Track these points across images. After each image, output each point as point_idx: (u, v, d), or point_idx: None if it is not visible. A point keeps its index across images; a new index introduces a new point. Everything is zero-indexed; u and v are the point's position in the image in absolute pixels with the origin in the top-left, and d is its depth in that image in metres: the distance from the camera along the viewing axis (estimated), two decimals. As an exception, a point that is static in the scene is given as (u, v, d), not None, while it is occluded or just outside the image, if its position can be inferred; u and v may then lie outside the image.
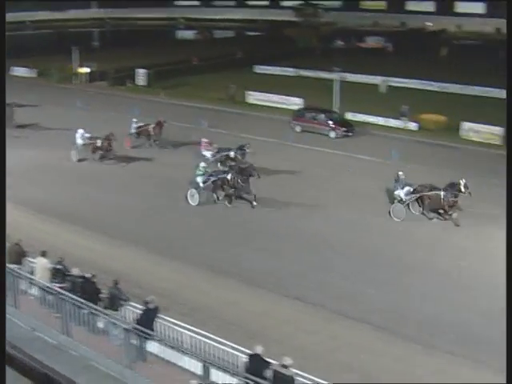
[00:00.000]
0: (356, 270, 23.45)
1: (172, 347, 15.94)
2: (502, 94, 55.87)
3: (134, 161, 36.50)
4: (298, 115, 45.20)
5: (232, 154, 33.94)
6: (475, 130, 42.79)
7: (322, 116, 43.79)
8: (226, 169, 31.33)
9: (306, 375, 15.38)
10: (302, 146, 40.19)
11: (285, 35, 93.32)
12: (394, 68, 63.48)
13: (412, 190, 28.29)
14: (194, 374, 15.08)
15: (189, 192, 29.76)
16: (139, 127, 39.13)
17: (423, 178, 29.71)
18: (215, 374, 14.79)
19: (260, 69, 68.86)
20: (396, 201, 28.44)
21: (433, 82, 59.61)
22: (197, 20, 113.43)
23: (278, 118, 47.26)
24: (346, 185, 32.99)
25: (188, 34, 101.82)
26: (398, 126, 45.02)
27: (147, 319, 16.29)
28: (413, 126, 44.86)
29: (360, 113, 46.86)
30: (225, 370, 14.72)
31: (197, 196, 29.73)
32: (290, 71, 67.35)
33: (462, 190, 27.01)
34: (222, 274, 22.99)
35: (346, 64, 54.01)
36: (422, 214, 28.26)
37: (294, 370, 14.44)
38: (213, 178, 29.96)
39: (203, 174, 29.93)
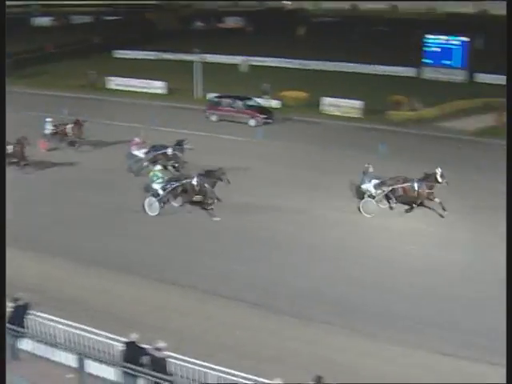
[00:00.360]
0: (226, 249, 23.65)
1: (45, 343, 15.52)
2: (359, 68, 58.68)
3: (55, 166, 32.51)
4: (213, 103, 43.15)
5: (170, 151, 30.63)
6: (335, 105, 44.30)
7: (240, 103, 42.16)
8: (186, 173, 27.88)
9: (180, 356, 15.36)
10: (222, 137, 38.34)
11: (145, 19, 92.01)
12: (254, 47, 64.33)
13: (380, 182, 26.68)
14: (69, 368, 14.80)
15: (147, 201, 26.58)
16: (55, 127, 35.44)
17: (279, 155, 30.20)
18: (91, 366, 14.54)
19: (120, 53, 67.66)
20: (366, 195, 26.71)
21: (293, 60, 61.05)
22: (52, 6, 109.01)
23: (140, 102, 46.61)
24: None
25: (44, 21, 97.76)
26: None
27: (18, 316, 15.74)
28: (275, 103, 45.56)
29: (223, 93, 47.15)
30: (101, 361, 14.53)
31: (156, 205, 26.39)
32: (151, 55, 66.67)
33: (439, 180, 25.94)
34: (91, 263, 22.36)
35: (206, 45, 54.23)
36: (391, 208, 26.92)
37: (168, 353, 14.48)
38: (175, 184, 26.64)
39: (161, 180, 26.61)
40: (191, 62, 49.64)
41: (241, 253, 23.16)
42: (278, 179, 30.38)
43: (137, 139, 31.57)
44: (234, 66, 59.52)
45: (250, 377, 15.29)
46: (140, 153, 31.22)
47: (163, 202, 26.53)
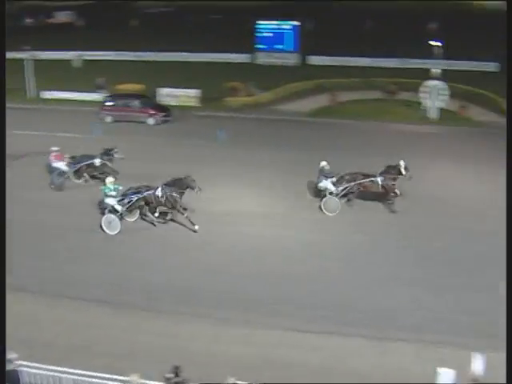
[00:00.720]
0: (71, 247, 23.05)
1: None
2: (194, 57, 58.98)
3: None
4: (107, 104, 41.13)
5: (97, 161, 28.16)
6: (172, 95, 44.34)
7: (137, 102, 40.73)
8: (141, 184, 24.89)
9: (32, 364, 14.85)
10: (123, 138, 35.08)
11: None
12: (87, 42, 62.70)
13: (337, 179, 25.76)
14: None
15: (104, 219, 24.02)
16: None
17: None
18: None
19: None
20: (327, 193, 25.72)
21: (128, 52, 60.24)
22: None
23: None
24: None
25: None
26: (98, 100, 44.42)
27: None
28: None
29: (58, 90, 45.61)
30: None
31: (117, 222, 23.86)
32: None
33: (403, 172, 25.38)
34: None
35: (36, 42, 52.10)
36: (350, 205, 26.26)
37: (20, 362, 14.07)
38: (135, 197, 24.13)
39: (116, 193, 23.94)
40: (21, 60, 47.52)
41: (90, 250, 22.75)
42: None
43: (55, 149, 28.60)
44: (67, 61, 57.75)
45: (106, 375, 14.94)
46: (61, 165, 28.39)
47: (126, 216, 24.30)
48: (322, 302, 19.25)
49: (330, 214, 25.43)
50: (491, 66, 55.29)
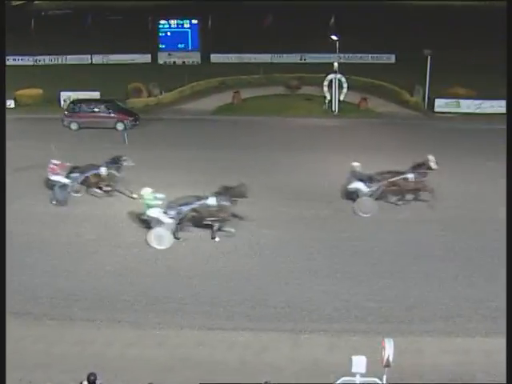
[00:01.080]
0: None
1: None
2: (95, 59, 57.79)
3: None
4: (71, 110, 39.00)
5: (103, 171, 26.37)
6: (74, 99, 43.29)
7: (103, 107, 38.81)
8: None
9: None
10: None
11: None
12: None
13: (369, 180, 25.05)
14: None
15: (153, 233, 22.48)
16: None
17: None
18: None
19: None
20: (361, 194, 25.08)
21: (25, 57, 58.52)
22: None
23: None
24: None
25: None
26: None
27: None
28: (8, 103, 43.09)
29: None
30: None
31: (168, 236, 22.43)
32: None
33: (433, 166, 24.97)
34: None
35: None
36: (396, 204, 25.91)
37: None
38: (186, 208, 22.63)
39: (160, 203, 22.34)
40: None
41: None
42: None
43: (54, 161, 26.16)
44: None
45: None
46: (61, 178, 26.16)
47: (179, 230, 22.85)
48: (236, 298, 19.34)
49: (365, 216, 24.87)
50: (388, 58, 57.02)
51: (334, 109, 42.01)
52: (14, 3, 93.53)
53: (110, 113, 38.85)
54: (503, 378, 15.02)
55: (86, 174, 26.54)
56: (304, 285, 20.11)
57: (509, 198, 21.49)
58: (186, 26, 57.99)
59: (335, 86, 41.86)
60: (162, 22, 58.00)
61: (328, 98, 42.42)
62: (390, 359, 12.54)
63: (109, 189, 26.74)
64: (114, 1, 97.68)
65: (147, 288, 19.98)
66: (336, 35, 44.39)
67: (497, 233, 23.00)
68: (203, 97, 45.53)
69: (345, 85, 42.26)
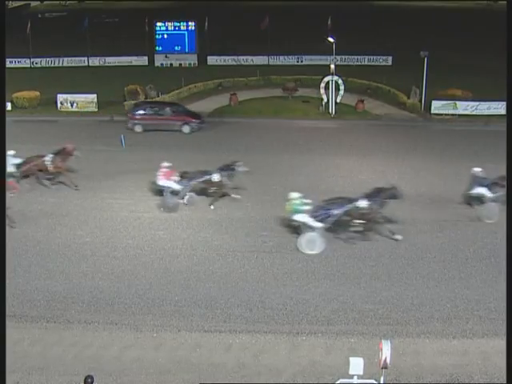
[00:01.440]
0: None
1: None
2: (92, 61, 57.85)
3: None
4: (136, 112, 38.62)
5: (216, 177, 25.69)
6: (71, 101, 43.32)
7: (168, 109, 38.44)
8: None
9: None
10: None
11: None
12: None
13: (491, 185, 24.03)
14: None
15: (304, 238, 22.07)
16: (24, 163, 27.84)
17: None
18: None
19: None
20: (486, 200, 24.23)
21: (23, 59, 58.56)
22: None
23: None
24: None
25: None
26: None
27: None
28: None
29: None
30: None
31: (319, 240, 21.97)
32: None
33: None
34: None
35: None
36: None
37: None
38: (338, 211, 22.05)
39: (307, 208, 21.85)
40: None
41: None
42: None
43: (165, 165, 25.60)
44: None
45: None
46: (172, 183, 25.53)
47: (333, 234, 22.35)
48: (233, 300, 19.29)
49: (490, 221, 24.05)
50: (385, 60, 57.11)
51: (330, 111, 42.03)
52: (10, 5, 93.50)
53: (175, 115, 38.29)
54: (501, 379, 15.05)
55: (197, 180, 25.88)
56: (301, 287, 20.09)
57: (509, 198, 21.49)
58: (182, 28, 58.01)
59: (332, 88, 41.89)
60: (159, 24, 58.04)
61: (325, 100, 42.44)
62: (388, 361, 12.54)
63: (223, 192, 26.20)
64: (112, 1, 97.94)
65: (144, 290, 19.95)
66: (333, 37, 44.44)
67: (495, 234, 23.07)
68: (200, 99, 45.55)
69: (342, 87, 42.30)
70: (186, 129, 37.85)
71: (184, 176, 25.79)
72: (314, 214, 21.86)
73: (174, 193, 25.65)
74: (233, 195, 26.21)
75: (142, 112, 38.61)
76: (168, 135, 36.82)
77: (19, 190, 26.93)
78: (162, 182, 25.59)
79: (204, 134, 37.61)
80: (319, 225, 21.88)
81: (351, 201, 22.25)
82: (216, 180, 25.68)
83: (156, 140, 35.85)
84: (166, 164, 25.56)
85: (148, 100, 41.37)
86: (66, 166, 28.40)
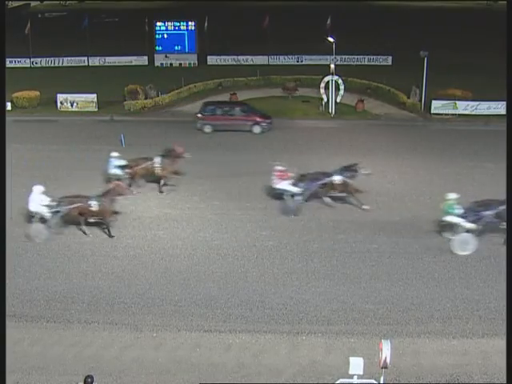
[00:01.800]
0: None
1: None
2: (92, 61, 57.82)
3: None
4: (205, 112, 38.27)
5: (337, 179, 24.89)
6: (71, 101, 43.32)
7: (238, 109, 38.21)
8: None
9: None
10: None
11: None
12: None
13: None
14: None
15: (456, 239, 21.90)
16: (129, 165, 27.41)
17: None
18: None
19: None
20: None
21: (23, 59, 58.56)
22: None
23: None
24: None
25: None
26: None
27: None
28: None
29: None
30: None
31: (472, 241, 21.68)
32: None
33: None
34: None
35: None
36: None
37: None
38: (489, 212, 21.77)
39: (461, 211, 21.63)
40: None
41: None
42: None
43: (280, 168, 24.99)
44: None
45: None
46: (289, 186, 24.78)
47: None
48: (233, 300, 19.30)
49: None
50: (385, 60, 57.08)
51: (330, 111, 42.01)
52: (10, 5, 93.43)
53: (245, 115, 37.97)
54: (501, 379, 15.06)
55: (318, 183, 25.09)
56: (301, 287, 20.09)
57: (509, 198, 21.46)
58: (182, 28, 57.98)
59: (332, 87, 41.87)
60: (159, 24, 58.01)
61: (325, 99, 42.43)
62: (388, 361, 12.53)
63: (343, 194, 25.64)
64: (112, 1, 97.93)
65: (144, 290, 19.95)
66: (333, 37, 44.42)
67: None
68: (200, 99, 45.49)
69: (342, 87, 42.28)
70: (256, 129, 37.51)
71: (303, 178, 25.01)
72: (464, 215, 21.76)
73: (294, 196, 24.91)
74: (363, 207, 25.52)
75: (211, 112, 38.23)
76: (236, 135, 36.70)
77: (134, 193, 25.74)
78: (280, 185, 25.04)
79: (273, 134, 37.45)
80: (470, 226, 21.72)
81: (500, 203, 21.83)
82: (338, 182, 24.99)
83: (226, 140, 35.88)
84: (279, 167, 25.02)
85: (216, 100, 40.81)
86: (174, 169, 27.91)
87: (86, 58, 58.81)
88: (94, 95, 43.09)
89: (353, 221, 24.79)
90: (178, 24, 58.05)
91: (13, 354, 16.25)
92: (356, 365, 12.62)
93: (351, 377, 12.85)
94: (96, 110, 42.81)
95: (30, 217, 23.64)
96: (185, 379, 15.69)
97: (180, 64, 57.46)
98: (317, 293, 19.66)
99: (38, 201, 23.15)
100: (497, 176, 27.32)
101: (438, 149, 34.11)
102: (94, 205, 23.16)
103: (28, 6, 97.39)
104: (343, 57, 54.35)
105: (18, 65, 57.89)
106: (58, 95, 43.46)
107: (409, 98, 43.66)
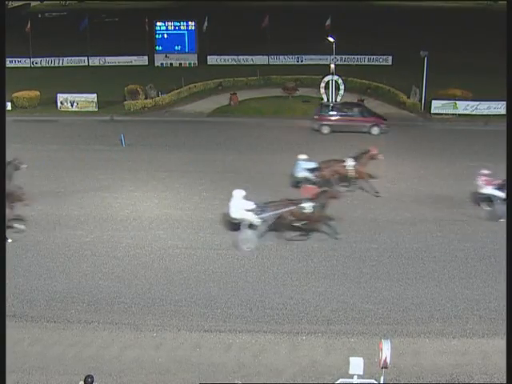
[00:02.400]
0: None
1: None
2: (92, 61, 57.86)
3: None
4: (323, 113, 37.78)
5: None
6: (71, 101, 43.35)
7: (356, 110, 37.66)
8: None
9: None
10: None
11: None
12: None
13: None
14: None
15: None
16: (320, 168, 26.68)
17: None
18: None
19: None
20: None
21: (23, 58, 58.61)
22: None
23: None
24: None
25: None
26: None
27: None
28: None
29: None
30: None
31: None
32: None
33: None
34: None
35: None
36: None
37: None
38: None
39: None
40: None
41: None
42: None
43: (485, 173, 24.17)
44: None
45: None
46: (494, 190, 23.75)
47: None
48: (233, 300, 19.29)
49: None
50: (385, 60, 57.10)
51: (330, 110, 42.01)
52: (10, 5, 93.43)
53: (364, 116, 37.41)
54: (501, 379, 15.05)
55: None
56: (301, 286, 20.09)
57: (509, 198, 21.46)
58: (182, 28, 58.00)
59: (332, 87, 41.87)
60: (159, 24, 58.03)
61: (325, 99, 42.43)
62: (388, 360, 12.54)
63: None
64: (112, 1, 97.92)
65: (144, 290, 19.94)
66: (333, 37, 44.44)
67: (496, 234, 23.08)
68: (200, 99, 45.57)
69: (342, 86, 42.29)
70: (375, 130, 36.90)
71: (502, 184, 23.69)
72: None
73: (495, 197, 24.04)
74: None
75: (328, 113, 37.81)
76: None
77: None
78: (486, 189, 24.24)
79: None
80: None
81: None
82: None
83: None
84: (485, 171, 24.34)
85: (338, 102, 40.35)
86: (368, 171, 27.39)
87: (86, 58, 58.88)
88: (94, 95, 43.12)
89: (352, 220, 24.79)
90: (178, 24, 58.09)
91: (13, 354, 16.22)
92: (356, 365, 12.62)
93: (351, 377, 12.86)
94: (96, 109, 42.84)
95: (233, 224, 23.01)
96: (185, 379, 15.68)
97: (180, 64, 57.49)
98: (317, 293, 19.66)
99: (241, 206, 22.15)
100: (497, 176, 27.29)
101: (438, 149, 34.12)
102: (308, 208, 22.26)
103: (28, 5, 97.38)
104: (343, 57, 54.41)
105: (18, 65, 57.91)
106: (58, 95, 43.50)
107: (409, 97, 43.68)
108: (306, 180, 26.25)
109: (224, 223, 24.69)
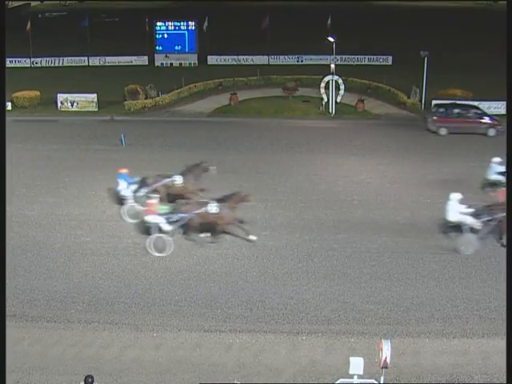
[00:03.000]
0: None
1: None
2: (92, 61, 57.84)
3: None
4: (441, 114, 37.27)
5: None
6: (71, 101, 43.32)
7: (473, 112, 36.99)
8: None
9: None
10: None
11: None
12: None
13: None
14: None
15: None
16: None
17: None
18: None
19: None
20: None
21: (24, 58, 58.58)
22: None
23: None
24: None
25: None
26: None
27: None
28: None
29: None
30: None
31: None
32: None
33: None
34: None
35: None
36: None
37: None
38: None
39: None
40: None
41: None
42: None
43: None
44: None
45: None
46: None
47: None
48: (233, 300, 19.30)
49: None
50: (385, 60, 57.07)
51: (331, 110, 42.00)
52: (10, 5, 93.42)
53: (480, 117, 36.86)
54: (501, 379, 15.06)
55: None
56: (301, 286, 20.09)
57: (509, 198, 21.44)
58: (182, 28, 57.95)
59: (332, 87, 41.87)
60: (159, 24, 57.97)
61: (325, 99, 42.42)
62: (388, 360, 12.54)
63: None
64: (112, 1, 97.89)
65: (144, 290, 19.94)
66: (333, 37, 44.42)
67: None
68: (200, 99, 45.56)
69: (342, 86, 42.29)
70: (491, 132, 36.32)
71: None
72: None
73: None
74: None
75: (445, 114, 37.27)
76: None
77: None
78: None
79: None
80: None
81: None
82: None
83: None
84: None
85: (454, 103, 39.29)
86: None
87: (86, 58, 58.79)
88: (95, 95, 43.10)
89: (353, 221, 24.80)
90: (178, 24, 58.02)
91: (13, 354, 16.24)
92: (356, 365, 12.63)
93: (351, 377, 12.86)
94: (96, 109, 42.81)
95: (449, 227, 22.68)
96: (185, 379, 15.69)
97: (180, 64, 57.44)
98: (317, 293, 19.68)
99: (457, 209, 21.84)
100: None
101: (438, 149, 34.11)
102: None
103: (28, 5, 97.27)
104: (343, 57, 54.38)
105: (18, 65, 57.80)
106: (59, 95, 43.45)
107: (409, 97, 43.65)
108: (500, 183, 25.39)
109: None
